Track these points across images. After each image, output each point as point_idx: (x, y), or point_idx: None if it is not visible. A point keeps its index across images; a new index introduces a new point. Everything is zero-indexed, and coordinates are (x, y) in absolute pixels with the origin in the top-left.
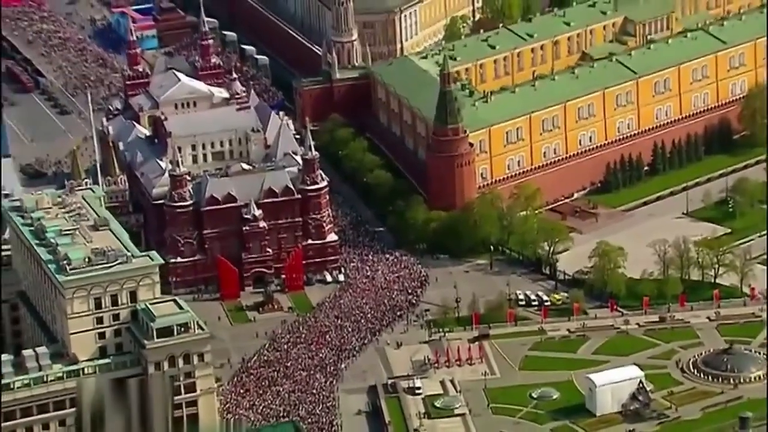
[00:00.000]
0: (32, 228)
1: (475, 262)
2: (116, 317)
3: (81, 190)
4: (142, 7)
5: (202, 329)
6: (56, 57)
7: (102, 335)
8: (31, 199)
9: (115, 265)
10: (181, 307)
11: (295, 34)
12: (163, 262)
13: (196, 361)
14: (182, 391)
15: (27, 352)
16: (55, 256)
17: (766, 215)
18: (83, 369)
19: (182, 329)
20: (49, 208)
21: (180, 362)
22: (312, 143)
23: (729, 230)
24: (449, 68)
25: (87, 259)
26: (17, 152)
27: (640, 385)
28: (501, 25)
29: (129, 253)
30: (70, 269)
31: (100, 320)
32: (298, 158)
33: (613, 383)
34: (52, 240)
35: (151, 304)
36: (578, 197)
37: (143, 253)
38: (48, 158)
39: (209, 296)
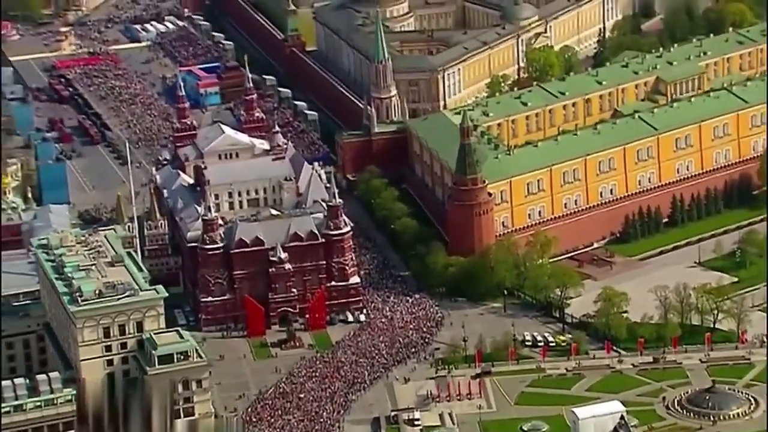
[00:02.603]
0: (54, 264)
1: (491, 305)
2: (123, 346)
3: (104, 230)
4: (209, 65)
5: (201, 357)
6: (125, 111)
7: (110, 362)
8: (56, 237)
9: (123, 298)
10: (182, 337)
11: (344, 91)
12: (167, 295)
13: (195, 387)
14: (181, 415)
15: (40, 377)
16: (70, 289)
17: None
18: None
19: (182, 357)
20: (72, 245)
21: (179, 388)
22: (336, 191)
23: (736, 279)
24: (469, 122)
25: (98, 292)
26: (79, 200)
27: (622, 419)
28: (535, 83)
29: (137, 287)
30: (82, 300)
31: (108, 348)
32: None
33: (596, 417)
34: (69, 274)
35: (155, 333)
36: (597, 246)
37: (150, 287)
38: (102, 205)
39: (237, 333)
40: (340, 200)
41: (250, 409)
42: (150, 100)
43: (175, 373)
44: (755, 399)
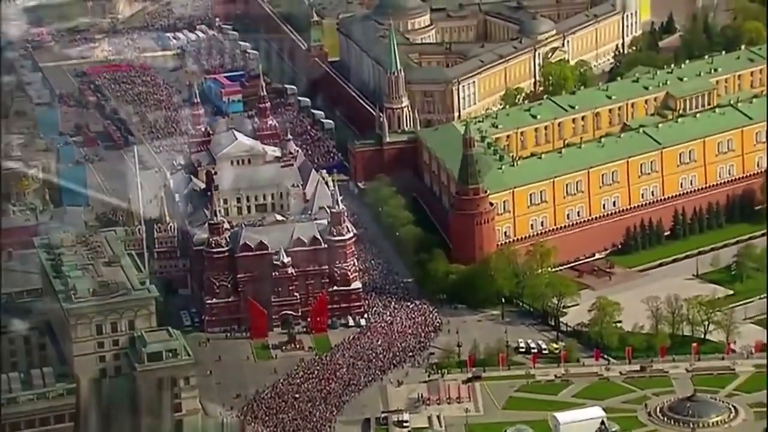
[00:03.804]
0: (53, 263)
1: (489, 313)
2: (116, 343)
3: (105, 231)
4: (234, 74)
5: (189, 355)
6: (149, 117)
7: (102, 358)
8: (57, 237)
9: (116, 297)
10: (171, 336)
11: (361, 101)
12: (158, 295)
13: (182, 384)
14: (169, 411)
15: (35, 372)
16: (66, 287)
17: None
18: None
19: (170, 355)
20: (73, 245)
21: (167, 384)
22: (340, 198)
23: (731, 292)
24: (471, 133)
25: (91, 291)
26: (97, 203)
27: (602, 424)
28: (546, 96)
29: (130, 287)
30: (76, 298)
31: (101, 345)
32: None
33: (576, 422)
34: (66, 273)
35: (146, 332)
36: (598, 257)
37: (142, 287)
38: (120, 208)
39: (240, 335)
40: (344, 207)
41: (246, 408)
42: (174, 106)
43: (164, 370)
44: (735, 408)
